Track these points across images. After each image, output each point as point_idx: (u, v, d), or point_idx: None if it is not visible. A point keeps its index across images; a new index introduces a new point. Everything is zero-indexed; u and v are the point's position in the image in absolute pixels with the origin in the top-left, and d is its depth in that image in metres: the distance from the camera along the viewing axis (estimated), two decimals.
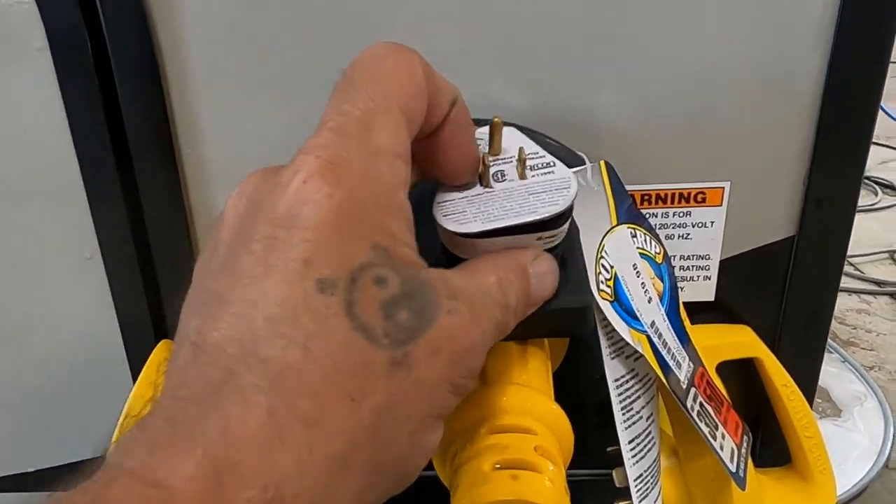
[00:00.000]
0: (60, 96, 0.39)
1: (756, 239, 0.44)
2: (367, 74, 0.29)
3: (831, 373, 2.76)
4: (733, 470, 0.37)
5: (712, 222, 0.44)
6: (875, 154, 4.96)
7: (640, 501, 0.38)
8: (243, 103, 0.41)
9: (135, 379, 0.47)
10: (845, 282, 3.33)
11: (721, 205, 0.44)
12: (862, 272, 3.37)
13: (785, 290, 0.45)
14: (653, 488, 0.40)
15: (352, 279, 0.25)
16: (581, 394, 0.42)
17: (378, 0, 0.40)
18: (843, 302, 3.20)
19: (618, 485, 0.44)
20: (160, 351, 0.42)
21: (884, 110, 5.31)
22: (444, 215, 0.32)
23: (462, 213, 0.31)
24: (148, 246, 0.42)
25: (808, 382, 0.45)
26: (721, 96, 0.42)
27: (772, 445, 0.46)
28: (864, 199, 4.15)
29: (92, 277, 0.43)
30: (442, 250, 0.34)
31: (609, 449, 0.46)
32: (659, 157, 0.42)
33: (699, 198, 0.44)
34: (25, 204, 0.44)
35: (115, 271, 0.42)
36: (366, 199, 0.26)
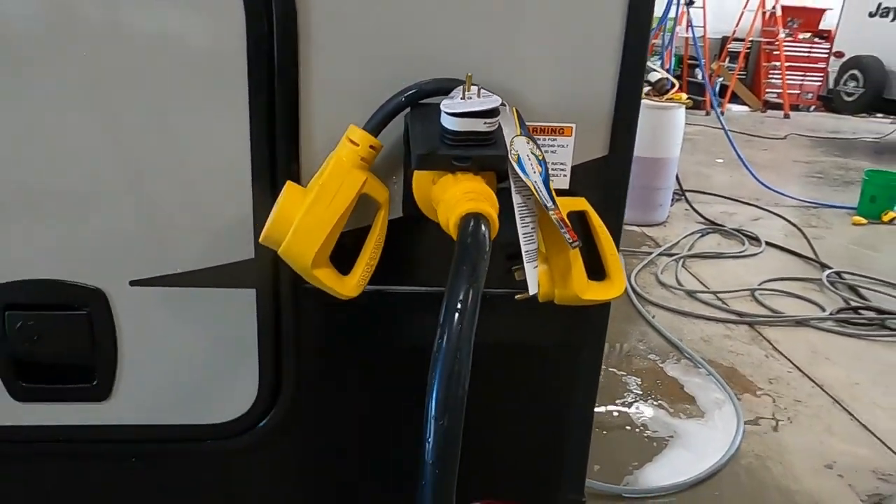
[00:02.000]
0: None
1: (588, 155, 0.94)
2: None
3: (697, 383, 3.39)
4: (568, 239, 0.84)
5: (567, 144, 0.93)
6: (748, 213, 5.92)
7: (528, 262, 0.85)
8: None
9: (258, 207, 0.89)
10: (714, 312, 4.05)
11: (571, 136, 0.93)
12: (727, 305, 4.09)
13: (601, 182, 0.94)
14: (533, 261, 0.87)
15: None
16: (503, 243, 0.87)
17: None
18: (711, 328, 3.90)
19: (517, 278, 0.91)
20: (288, 189, 0.83)
21: (755, 177, 6.28)
22: (444, 107, 0.78)
23: (453, 107, 0.78)
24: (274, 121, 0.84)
25: (615, 223, 0.94)
26: (574, 94, 0.91)
27: (598, 272, 0.94)
28: (734, 247, 4.99)
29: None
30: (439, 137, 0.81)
31: (514, 268, 0.93)
32: (543, 109, 0.91)
33: (560, 131, 0.93)
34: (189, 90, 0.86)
35: (256, 142, 0.84)
36: None
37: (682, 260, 4.69)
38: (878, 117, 10.76)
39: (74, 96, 0.85)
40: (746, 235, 5.13)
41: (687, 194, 5.77)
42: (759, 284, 4.38)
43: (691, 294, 4.20)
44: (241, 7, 0.82)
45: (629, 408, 3.19)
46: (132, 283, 0.91)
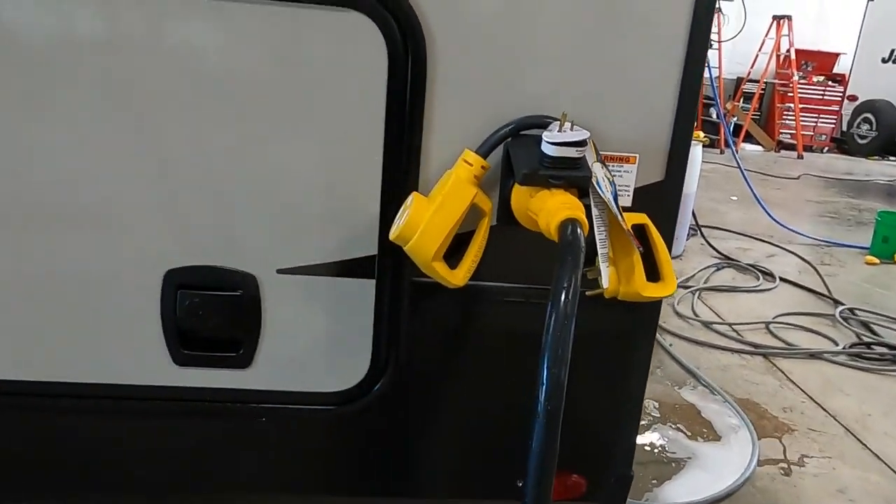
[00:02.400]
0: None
1: (648, 179, 1.18)
2: None
3: (714, 409, 3.59)
4: (636, 245, 1.08)
5: (631, 170, 1.17)
6: (763, 249, 6.16)
7: (602, 262, 1.08)
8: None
9: (384, 211, 1.13)
10: (729, 343, 4.25)
11: (635, 163, 1.18)
12: (742, 337, 4.29)
13: (658, 202, 1.18)
14: (606, 261, 1.11)
15: None
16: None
17: None
18: (727, 358, 4.10)
19: (589, 277, 1.15)
20: (415, 198, 1.06)
21: (769, 215, 6.52)
22: (545, 137, 1.03)
23: (553, 138, 1.03)
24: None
25: (668, 235, 1.18)
26: (638, 129, 1.16)
27: (654, 275, 1.18)
28: (749, 281, 5.21)
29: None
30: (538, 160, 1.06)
31: (584, 269, 1.17)
32: (615, 143, 1.15)
33: (627, 159, 1.17)
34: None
35: (387, 159, 1.08)
36: None
37: (697, 292, 4.91)
38: (890, 160, 11.06)
39: (240, 114, 1.10)
40: (761, 271, 5.35)
41: (702, 229, 6.01)
42: (774, 318, 4.58)
43: (707, 325, 4.41)
44: (385, 56, 1.08)
45: (649, 430, 3.39)
46: (279, 271, 1.15)
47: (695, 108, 1.14)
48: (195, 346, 1.16)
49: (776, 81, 11.74)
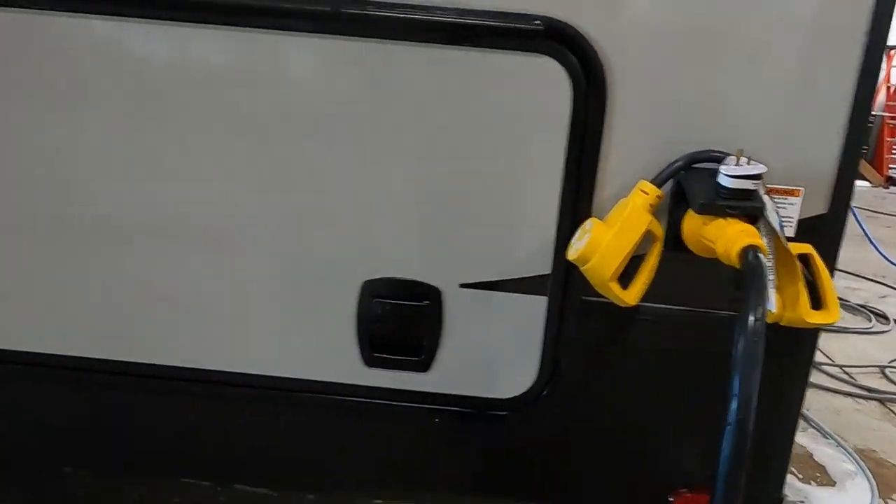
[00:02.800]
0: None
1: (811, 212, 1.26)
2: None
3: (827, 453, 3.50)
4: (803, 273, 1.15)
5: (796, 203, 1.25)
6: (874, 289, 5.93)
7: (770, 288, 1.17)
8: None
9: (559, 235, 1.25)
10: (842, 386, 4.13)
11: (799, 196, 1.26)
12: (855, 380, 4.16)
13: (820, 231, 1.25)
14: (772, 288, 1.18)
15: None
16: None
17: None
18: (839, 402, 3.99)
19: None
20: (594, 223, 1.18)
21: (881, 254, 6.29)
22: (724, 170, 1.13)
23: (732, 171, 1.13)
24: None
25: (831, 265, 1.24)
26: (805, 163, 1.25)
27: (817, 302, 1.24)
28: (861, 323, 5.04)
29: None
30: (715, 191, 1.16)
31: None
32: (780, 174, 1.24)
33: (792, 192, 1.26)
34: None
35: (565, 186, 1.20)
36: None
37: None
38: None
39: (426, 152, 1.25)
40: (872, 312, 5.16)
41: None
42: (890, 362, 4.42)
43: (817, 366, 4.30)
44: (570, 94, 1.21)
45: None
46: (461, 286, 1.29)
47: (861, 143, 1.21)
48: (382, 350, 1.30)
49: (885, 114, 11.29)
